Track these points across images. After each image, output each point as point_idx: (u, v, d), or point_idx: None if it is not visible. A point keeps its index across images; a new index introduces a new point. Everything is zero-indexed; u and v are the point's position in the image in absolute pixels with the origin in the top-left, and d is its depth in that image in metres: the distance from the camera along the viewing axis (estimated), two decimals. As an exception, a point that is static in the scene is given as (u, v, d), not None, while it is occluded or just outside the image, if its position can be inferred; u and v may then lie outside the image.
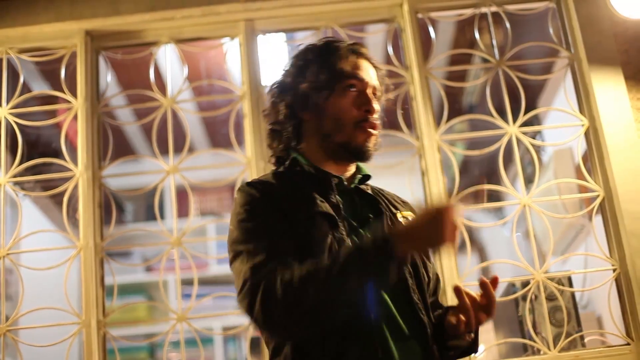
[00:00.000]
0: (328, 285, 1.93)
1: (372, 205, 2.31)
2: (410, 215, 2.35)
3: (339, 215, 2.18)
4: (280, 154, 2.40)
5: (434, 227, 1.92)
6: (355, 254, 1.95)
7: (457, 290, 2.09)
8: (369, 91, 2.32)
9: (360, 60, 2.36)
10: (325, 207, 2.17)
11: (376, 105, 2.32)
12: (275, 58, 4.21)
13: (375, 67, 2.40)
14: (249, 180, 2.33)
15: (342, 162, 2.33)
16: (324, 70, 2.32)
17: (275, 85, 2.42)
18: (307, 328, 2.00)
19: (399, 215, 2.30)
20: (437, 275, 2.42)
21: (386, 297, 2.10)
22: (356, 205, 2.27)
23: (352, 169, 2.38)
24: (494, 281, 2.12)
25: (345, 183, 2.32)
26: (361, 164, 2.40)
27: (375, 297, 2.04)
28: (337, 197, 2.24)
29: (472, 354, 2.36)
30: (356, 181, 2.35)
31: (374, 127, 2.30)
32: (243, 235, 2.13)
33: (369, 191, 2.37)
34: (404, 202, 2.47)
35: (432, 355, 2.13)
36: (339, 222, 2.15)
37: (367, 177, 2.40)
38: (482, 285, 2.10)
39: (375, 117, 2.31)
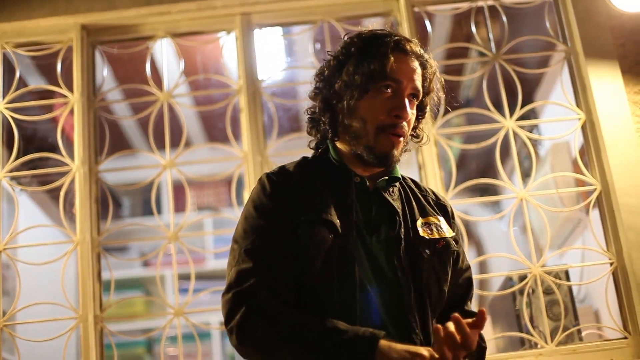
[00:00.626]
0: (300, 353, 1.96)
1: (389, 213, 2.24)
2: (438, 221, 2.30)
3: (347, 219, 2.14)
4: (319, 142, 2.38)
5: None
6: (332, 346, 1.93)
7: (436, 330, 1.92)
8: (405, 93, 2.23)
9: (405, 57, 2.25)
10: (332, 214, 2.14)
11: (410, 110, 2.23)
12: (271, 52, 4.21)
13: (424, 63, 2.31)
14: (269, 171, 2.29)
15: (369, 164, 2.26)
16: (360, 69, 2.23)
17: (317, 73, 2.36)
18: None
19: (419, 223, 2.23)
20: (467, 280, 2.37)
21: (383, 312, 2.08)
22: (371, 209, 2.21)
23: (380, 169, 2.31)
24: (480, 316, 1.93)
25: (368, 184, 2.27)
26: (397, 167, 2.34)
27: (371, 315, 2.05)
28: (354, 197, 2.20)
29: None
30: (380, 184, 2.28)
31: (399, 134, 2.22)
32: (242, 231, 2.15)
33: (391, 196, 2.28)
34: (438, 203, 2.41)
35: None
36: (339, 228, 2.12)
37: (396, 179, 2.33)
38: (454, 320, 1.90)
39: (404, 124, 2.22)
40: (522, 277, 3.75)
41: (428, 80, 2.32)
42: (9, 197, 3.94)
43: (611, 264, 3.67)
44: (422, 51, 2.31)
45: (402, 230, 2.20)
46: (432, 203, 2.37)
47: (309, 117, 2.38)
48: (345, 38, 2.33)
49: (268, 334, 1.98)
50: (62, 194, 3.81)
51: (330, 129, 2.30)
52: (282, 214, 2.14)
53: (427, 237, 2.20)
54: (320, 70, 2.35)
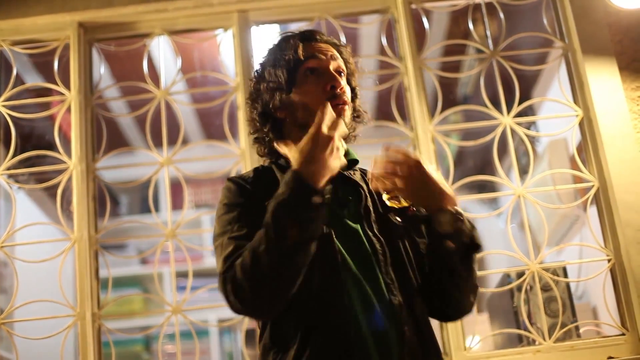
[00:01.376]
0: (273, 249, 1.96)
1: (354, 190, 2.29)
2: None
3: None
4: (268, 157, 2.43)
5: (314, 136, 1.99)
6: (279, 206, 1.98)
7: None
8: (330, 68, 2.31)
9: (315, 43, 2.37)
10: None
11: (342, 81, 2.31)
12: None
13: (337, 46, 2.40)
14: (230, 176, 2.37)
15: None
16: (279, 65, 2.34)
17: (247, 100, 2.45)
18: (280, 298, 2.04)
19: (385, 197, 2.25)
20: None
21: (359, 275, 2.11)
22: (336, 191, 2.23)
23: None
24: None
25: None
26: (350, 150, 2.39)
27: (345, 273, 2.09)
28: None
29: (475, 252, 2.21)
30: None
31: (342, 102, 2.28)
32: (218, 229, 2.20)
33: (355, 176, 2.33)
34: None
35: (404, 336, 2.07)
36: None
37: (355, 162, 2.39)
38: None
39: (342, 92, 2.29)
40: (520, 274, 3.75)
41: (347, 61, 2.40)
42: (7, 194, 3.95)
43: (609, 260, 3.68)
44: (331, 37, 2.43)
45: (370, 203, 2.25)
46: None
47: (254, 140, 2.44)
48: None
49: (248, 275, 2.00)
50: (59, 191, 3.81)
51: (277, 137, 2.36)
52: (251, 202, 2.20)
53: (397, 207, 2.23)
54: (249, 94, 2.45)
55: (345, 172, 2.31)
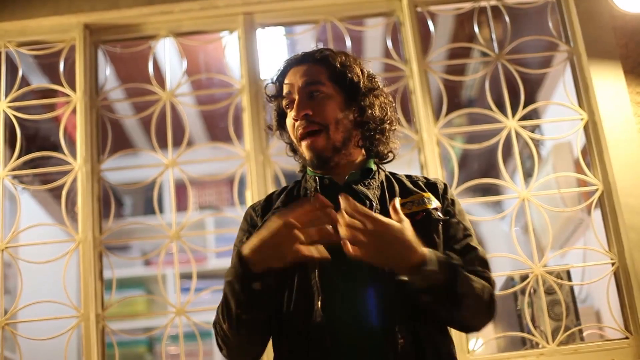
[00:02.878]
0: (226, 318, 2.09)
1: (363, 202, 2.24)
2: (418, 198, 2.30)
3: None
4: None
5: (276, 242, 1.97)
6: (225, 283, 2.07)
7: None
8: (296, 96, 2.33)
9: (287, 77, 2.39)
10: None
11: (303, 108, 2.30)
12: (274, 51, 4.21)
13: (316, 58, 2.38)
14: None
15: (327, 166, 2.34)
16: (274, 111, 2.47)
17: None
18: (249, 352, 2.22)
19: (397, 202, 2.19)
20: (466, 246, 2.33)
21: (351, 294, 2.11)
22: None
23: (352, 159, 2.36)
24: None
25: (336, 180, 2.33)
26: (371, 159, 2.39)
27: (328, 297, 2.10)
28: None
29: (456, 297, 2.10)
30: (350, 178, 2.32)
31: (305, 135, 2.30)
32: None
33: (366, 187, 2.31)
34: (428, 183, 2.41)
35: (395, 345, 2.04)
36: None
37: (369, 170, 2.36)
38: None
39: (303, 122, 2.30)
40: (524, 277, 3.75)
41: (336, 63, 2.37)
42: (11, 195, 3.95)
43: (613, 264, 3.67)
44: (316, 50, 2.42)
45: (377, 212, 2.18)
46: (420, 185, 2.39)
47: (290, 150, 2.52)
48: None
49: (219, 335, 2.18)
50: (64, 192, 3.82)
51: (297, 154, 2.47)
52: (250, 230, 2.32)
53: (406, 213, 2.16)
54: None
55: (355, 186, 2.29)
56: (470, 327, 2.28)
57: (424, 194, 2.32)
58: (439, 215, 2.27)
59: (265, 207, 2.39)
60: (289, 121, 2.36)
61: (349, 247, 1.94)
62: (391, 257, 1.99)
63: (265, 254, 1.97)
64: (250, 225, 2.35)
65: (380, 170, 2.41)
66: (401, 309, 2.09)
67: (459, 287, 2.07)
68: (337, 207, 1.98)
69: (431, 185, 2.40)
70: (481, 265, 2.25)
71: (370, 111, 2.36)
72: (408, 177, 2.44)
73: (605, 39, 3.89)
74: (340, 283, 2.11)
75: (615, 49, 3.87)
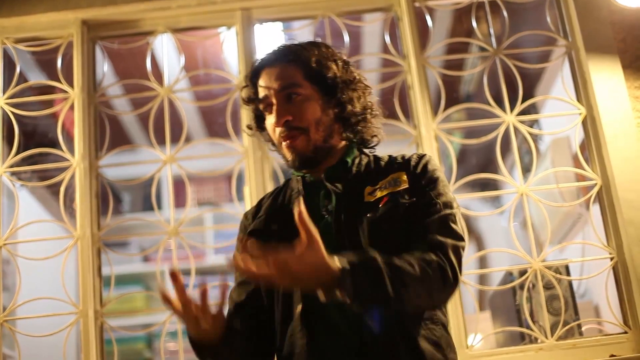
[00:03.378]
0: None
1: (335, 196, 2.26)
2: (385, 183, 2.27)
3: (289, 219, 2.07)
4: None
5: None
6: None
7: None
8: (273, 100, 2.31)
9: (263, 79, 2.37)
10: (260, 221, 2.35)
11: (283, 114, 2.29)
12: (272, 47, 4.20)
13: (290, 58, 2.37)
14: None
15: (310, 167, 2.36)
16: (251, 105, 2.45)
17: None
18: None
19: (366, 192, 2.24)
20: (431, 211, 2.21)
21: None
22: (319, 200, 2.26)
23: (333, 158, 2.36)
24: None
25: (313, 178, 2.35)
26: (350, 151, 2.39)
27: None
28: (297, 196, 2.32)
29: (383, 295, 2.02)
30: (326, 174, 2.32)
31: (286, 137, 2.29)
32: None
33: (349, 175, 2.32)
34: (404, 162, 2.35)
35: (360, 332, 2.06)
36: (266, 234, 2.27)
37: (344, 163, 2.35)
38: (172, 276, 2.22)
39: (284, 128, 2.29)
40: (523, 272, 3.75)
41: (310, 60, 2.36)
42: (9, 192, 3.94)
43: (611, 258, 3.67)
44: (287, 48, 2.42)
45: (346, 204, 2.22)
46: (395, 167, 2.33)
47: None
48: None
49: None
50: (62, 189, 3.81)
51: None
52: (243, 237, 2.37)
53: (371, 201, 2.19)
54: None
55: (329, 182, 2.30)
56: (433, 305, 2.18)
57: (393, 175, 2.28)
58: (406, 198, 2.21)
59: (255, 214, 2.43)
60: (268, 123, 2.34)
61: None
62: (302, 284, 1.98)
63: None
64: (244, 234, 2.39)
65: (363, 156, 2.40)
66: (398, 329, 2.09)
67: (387, 285, 1.97)
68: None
69: (404, 163, 2.34)
70: (438, 232, 2.15)
71: (350, 106, 2.36)
72: (390, 157, 2.41)
73: (603, 33, 3.89)
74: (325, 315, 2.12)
75: (614, 43, 3.87)
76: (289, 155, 2.30)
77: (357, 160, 2.38)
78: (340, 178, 2.31)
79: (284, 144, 2.30)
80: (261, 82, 2.35)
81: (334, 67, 2.37)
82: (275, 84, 2.31)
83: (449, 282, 2.10)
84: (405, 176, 2.27)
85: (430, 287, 2.06)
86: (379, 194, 2.23)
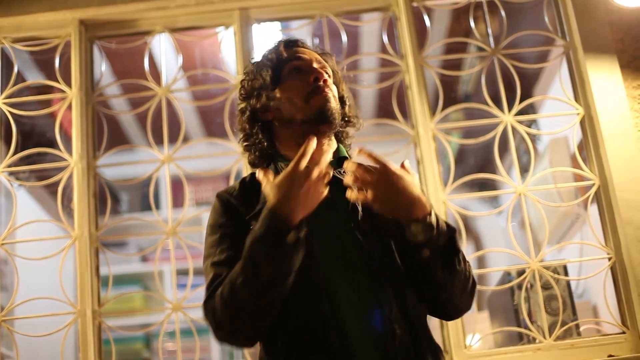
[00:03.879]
0: (249, 283, 1.99)
1: (344, 189, 2.23)
2: None
3: None
4: (259, 162, 2.43)
5: (306, 189, 1.97)
6: (254, 242, 2.00)
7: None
8: (314, 65, 2.35)
9: (299, 48, 2.42)
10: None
11: (325, 76, 2.33)
12: (269, 47, 4.20)
13: (321, 55, 2.44)
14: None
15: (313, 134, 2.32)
16: (265, 67, 2.39)
17: (237, 111, 2.49)
18: (259, 329, 2.11)
19: None
20: None
21: (343, 278, 2.11)
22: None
23: (329, 152, 2.35)
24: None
25: None
26: (342, 147, 2.41)
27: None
28: None
29: (455, 256, 2.17)
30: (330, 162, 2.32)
31: (326, 90, 2.30)
32: (204, 251, 2.28)
33: (342, 175, 2.28)
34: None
35: (394, 335, 2.07)
36: None
37: (344, 158, 2.37)
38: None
39: (326, 84, 2.32)
40: (521, 272, 3.76)
41: (333, 69, 2.43)
42: (7, 192, 3.95)
43: (609, 259, 3.67)
44: (316, 46, 2.48)
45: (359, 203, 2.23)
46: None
47: (244, 146, 2.46)
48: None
49: (227, 307, 2.05)
50: (60, 189, 3.81)
51: (266, 139, 2.39)
52: (232, 222, 2.25)
53: None
54: (238, 108, 2.49)
55: (334, 172, 2.29)
56: (455, 305, 2.26)
57: None
58: None
59: (244, 198, 2.32)
60: (298, 80, 2.33)
61: (354, 193, 2.04)
62: (399, 204, 2.06)
63: (296, 203, 1.97)
64: (228, 216, 2.28)
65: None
66: (397, 303, 2.10)
67: (457, 245, 2.16)
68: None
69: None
70: None
71: (351, 121, 2.46)
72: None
73: (601, 33, 3.89)
74: (343, 282, 2.11)
75: (611, 43, 3.87)
76: (321, 103, 2.28)
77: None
78: (338, 174, 2.31)
79: (318, 95, 2.29)
80: (299, 51, 2.40)
81: (342, 85, 2.47)
82: (316, 58, 2.39)
83: (472, 296, 2.28)
84: None
85: (467, 286, 2.23)
86: None
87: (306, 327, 2.07)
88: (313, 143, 2.00)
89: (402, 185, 2.06)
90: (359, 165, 2.04)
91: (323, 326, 2.05)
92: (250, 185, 2.33)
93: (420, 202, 2.08)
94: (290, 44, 2.42)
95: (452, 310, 2.30)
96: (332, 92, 2.32)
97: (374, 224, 2.19)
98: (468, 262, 2.23)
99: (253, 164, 2.44)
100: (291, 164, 1.97)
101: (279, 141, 2.38)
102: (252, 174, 2.37)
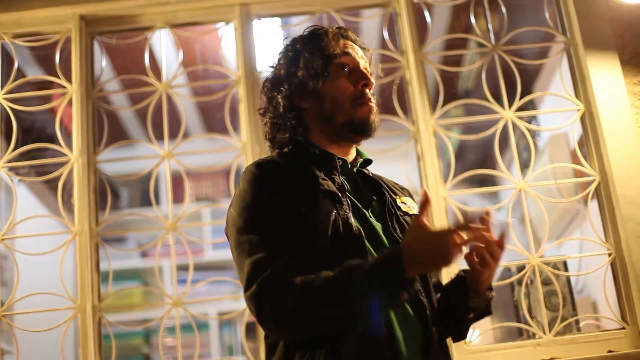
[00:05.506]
0: (338, 303, 1.97)
1: (374, 188, 2.33)
2: (408, 200, 2.40)
3: (343, 194, 2.19)
4: (286, 142, 2.39)
5: (441, 249, 1.94)
6: (365, 275, 1.96)
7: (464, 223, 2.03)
8: (361, 67, 2.36)
9: (348, 42, 2.41)
10: (329, 185, 2.18)
11: (372, 79, 2.36)
12: (270, 43, 4.21)
13: (363, 49, 2.44)
14: (255, 161, 2.29)
15: (346, 143, 2.36)
16: (315, 56, 2.35)
17: (268, 81, 2.44)
18: (318, 332, 2.04)
19: (398, 201, 2.32)
20: None
21: None
22: (359, 187, 2.28)
23: (353, 152, 2.41)
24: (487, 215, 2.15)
25: (349, 166, 2.35)
26: (361, 150, 2.44)
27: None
28: (341, 177, 2.25)
29: (487, 315, 2.36)
30: (358, 165, 2.38)
31: (372, 101, 2.33)
32: (245, 223, 2.13)
33: (371, 175, 2.40)
34: (402, 188, 2.51)
35: (432, 336, 2.13)
36: (343, 200, 2.16)
37: (369, 161, 2.43)
38: (484, 221, 2.11)
39: (372, 92, 2.35)
40: (521, 268, 3.75)
41: (370, 64, 2.46)
42: (7, 187, 3.95)
43: (609, 254, 3.68)
44: (357, 38, 2.48)
45: (389, 203, 2.29)
46: (397, 187, 2.49)
47: (271, 123, 2.41)
48: (285, 42, 2.49)
49: (301, 306, 1.98)
50: (60, 184, 3.81)
51: (298, 125, 2.36)
52: (281, 196, 2.14)
53: (403, 210, 2.30)
54: (270, 76, 2.45)
55: (365, 170, 2.39)
56: (461, 338, 2.45)
57: (405, 197, 2.43)
58: None
59: (290, 167, 2.25)
60: (345, 80, 2.33)
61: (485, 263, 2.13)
62: (487, 278, 2.20)
63: (426, 262, 1.98)
64: (276, 189, 2.16)
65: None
66: (432, 312, 2.18)
67: (490, 309, 2.32)
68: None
69: (405, 190, 2.52)
70: None
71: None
72: (379, 176, 2.50)
73: (601, 29, 3.89)
74: None
75: (612, 39, 3.87)
76: (364, 115, 2.31)
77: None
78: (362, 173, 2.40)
79: (365, 105, 2.32)
80: (347, 45, 2.39)
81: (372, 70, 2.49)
82: (364, 58, 2.40)
83: None
84: (413, 202, 2.45)
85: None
86: (409, 210, 2.35)
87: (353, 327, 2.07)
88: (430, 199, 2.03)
89: (496, 267, 2.17)
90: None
91: (372, 322, 2.05)
92: (293, 161, 2.28)
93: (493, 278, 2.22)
94: (339, 35, 2.41)
95: (458, 340, 2.47)
96: (375, 101, 2.35)
97: (403, 228, 2.26)
98: None
99: (274, 141, 2.41)
100: (446, 238, 1.96)
101: (309, 128, 2.37)
102: (293, 149, 2.35)
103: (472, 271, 2.16)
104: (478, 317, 2.33)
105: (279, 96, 2.37)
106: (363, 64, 2.37)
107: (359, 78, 2.32)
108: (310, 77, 2.33)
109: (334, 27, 2.44)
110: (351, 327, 2.01)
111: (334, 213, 2.11)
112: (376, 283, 1.94)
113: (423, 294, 2.16)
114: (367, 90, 2.32)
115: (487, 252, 2.10)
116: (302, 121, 2.36)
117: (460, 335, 2.39)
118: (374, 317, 1.99)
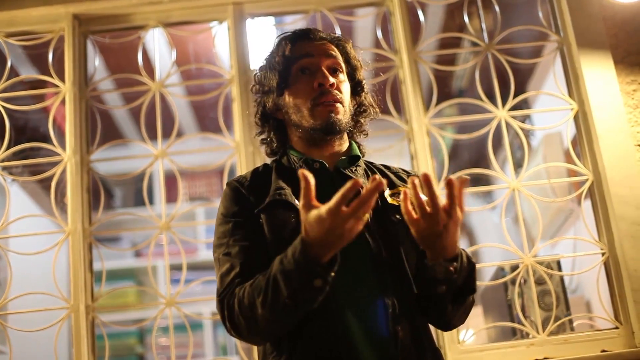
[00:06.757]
0: (268, 306, 1.98)
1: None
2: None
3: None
4: (272, 156, 2.48)
5: (335, 229, 1.85)
6: (281, 273, 1.94)
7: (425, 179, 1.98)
8: (323, 66, 2.34)
9: (310, 43, 2.40)
10: (289, 194, 2.22)
11: (334, 79, 2.32)
12: (263, 42, 4.20)
13: (336, 42, 2.43)
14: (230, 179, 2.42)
15: (322, 143, 2.36)
16: (272, 68, 2.39)
17: (254, 102, 2.50)
18: (275, 336, 2.12)
19: (387, 194, 2.22)
20: None
21: (350, 276, 2.11)
22: (335, 188, 2.22)
23: (341, 148, 2.39)
24: (462, 182, 2.09)
25: (328, 166, 2.33)
26: (355, 145, 2.43)
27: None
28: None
29: (469, 295, 2.22)
30: (339, 164, 2.35)
31: (332, 100, 2.30)
32: (215, 240, 2.27)
33: (354, 174, 2.34)
34: (410, 175, 2.45)
35: (397, 336, 2.07)
36: (297, 206, 2.12)
37: (356, 157, 2.40)
38: (448, 184, 2.05)
39: (331, 90, 2.31)
40: (514, 267, 3.76)
41: (349, 55, 2.44)
42: (0, 187, 3.93)
43: (603, 254, 3.68)
44: (332, 34, 2.45)
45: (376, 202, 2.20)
46: (403, 177, 2.44)
47: (260, 141, 2.51)
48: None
49: (242, 313, 2.05)
50: (53, 184, 3.80)
51: (281, 135, 2.44)
52: (244, 211, 2.25)
53: (397, 204, 2.18)
54: (257, 98, 2.49)
55: (346, 171, 2.34)
56: (453, 325, 2.34)
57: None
58: None
59: (253, 188, 2.30)
60: (304, 83, 2.33)
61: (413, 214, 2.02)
62: (439, 241, 2.05)
63: (332, 246, 1.89)
64: (240, 205, 2.27)
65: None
66: (400, 305, 2.12)
67: (473, 286, 2.21)
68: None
69: (414, 177, 2.39)
70: None
71: (367, 110, 2.48)
72: (386, 167, 2.50)
73: (595, 28, 3.89)
74: (348, 281, 2.10)
75: (605, 38, 3.87)
76: (323, 117, 2.29)
77: (370, 163, 2.47)
78: (350, 172, 2.36)
79: (323, 105, 2.30)
80: (308, 47, 2.38)
81: (360, 69, 2.48)
82: (325, 53, 2.38)
83: (468, 315, 2.34)
84: None
85: (468, 309, 2.30)
86: (396, 201, 2.26)
87: (311, 325, 2.07)
88: (311, 180, 1.88)
89: (454, 229, 2.07)
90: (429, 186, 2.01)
91: (327, 324, 2.07)
92: (262, 175, 2.36)
93: (455, 245, 2.10)
94: (298, 38, 2.41)
95: (447, 327, 2.35)
96: (339, 95, 2.33)
97: (385, 228, 2.22)
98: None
99: (268, 155, 2.50)
100: (333, 203, 1.84)
101: (290, 137, 2.42)
102: (265, 165, 2.43)
103: (422, 238, 2.06)
104: (456, 296, 2.17)
105: (257, 117, 2.47)
106: (328, 62, 2.36)
107: (315, 78, 2.31)
108: (270, 92, 2.40)
109: (293, 31, 2.44)
110: (306, 324, 2.06)
111: (291, 221, 2.14)
112: (285, 278, 1.93)
113: (390, 292, 2.12)
114: (327, 89, 2.30)
115: (428, 215, 2.01)
116: (282, 131, 2.43)
117: (443, 318, 2.25)
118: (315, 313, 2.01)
